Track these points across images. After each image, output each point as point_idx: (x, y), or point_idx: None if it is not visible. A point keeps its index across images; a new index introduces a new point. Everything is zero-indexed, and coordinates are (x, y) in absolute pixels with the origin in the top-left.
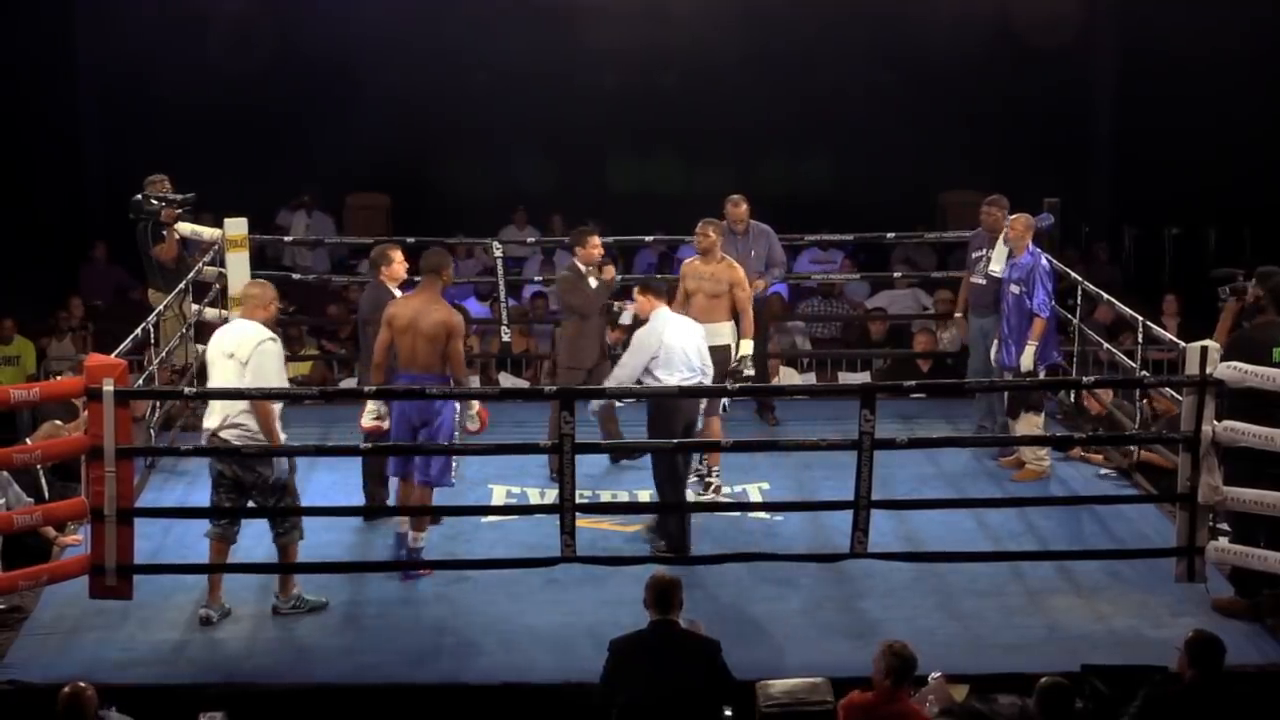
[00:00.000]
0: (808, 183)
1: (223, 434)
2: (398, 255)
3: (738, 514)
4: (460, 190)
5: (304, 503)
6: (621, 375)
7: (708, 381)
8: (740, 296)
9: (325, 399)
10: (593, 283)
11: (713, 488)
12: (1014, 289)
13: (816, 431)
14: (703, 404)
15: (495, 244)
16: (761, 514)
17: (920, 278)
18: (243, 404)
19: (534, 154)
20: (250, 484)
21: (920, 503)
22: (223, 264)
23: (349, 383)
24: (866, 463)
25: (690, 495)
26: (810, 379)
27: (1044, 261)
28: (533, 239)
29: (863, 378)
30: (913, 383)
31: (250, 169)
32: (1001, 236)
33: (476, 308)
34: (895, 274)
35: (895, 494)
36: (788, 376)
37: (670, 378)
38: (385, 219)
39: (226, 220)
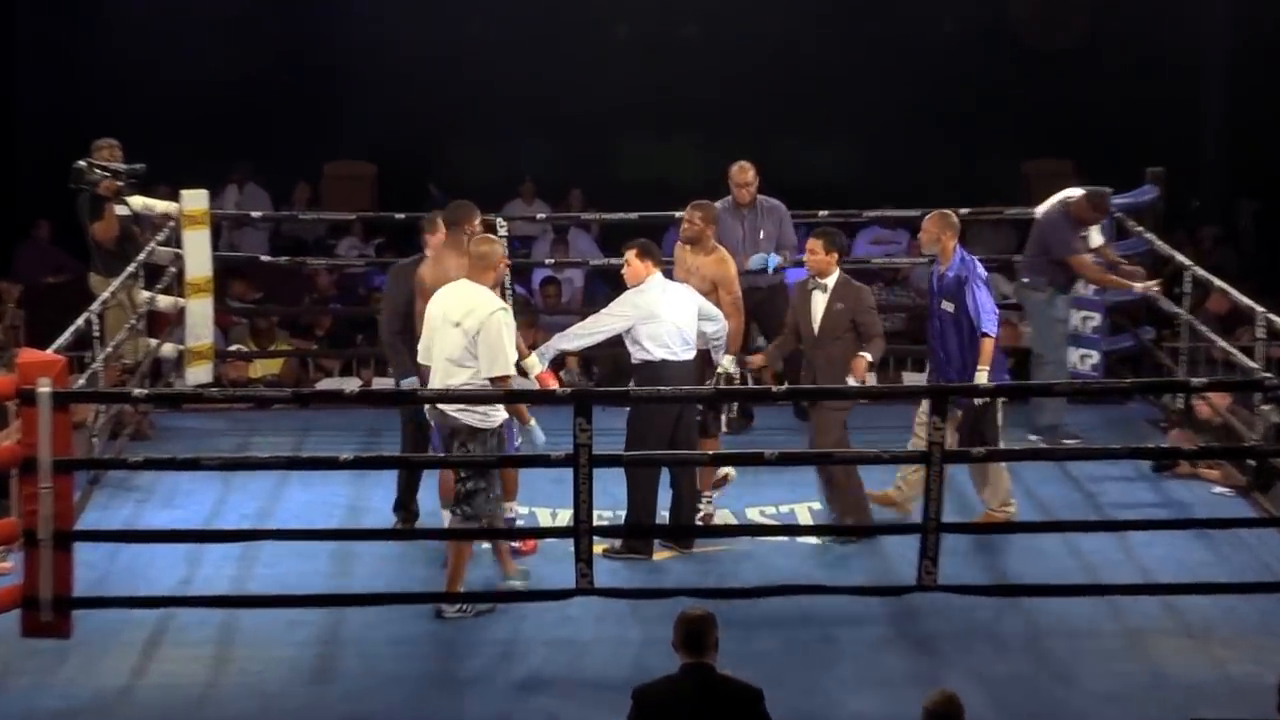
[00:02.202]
0: (868, 152)
1: (446, 410)
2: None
3: (784, 539)
4: (458, 159)
5: (278, 524)
6: (597, 326)
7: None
8: (725, 300)
9: (299, 403)
10: None
11: (701, 514)
12: (945, 306)
13: (878, 442)
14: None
15: (500, 221)
16: (812, 539)
17: (999, 261)
18: (462, 378)
19: (544, 121)
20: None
21: (1000, 526)
22: (179, 244)
23: (327, 384)
24: (937, 478)
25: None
26: (870, 379)
27: (979, 269)
28: (543, 215)
29: (912, 379)
30: (991, 384)
31: (211, 138)
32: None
33: None
34: None
35: (971, 515)
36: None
37: (660, 352)
38: (369, 191)
39: (183, 193)
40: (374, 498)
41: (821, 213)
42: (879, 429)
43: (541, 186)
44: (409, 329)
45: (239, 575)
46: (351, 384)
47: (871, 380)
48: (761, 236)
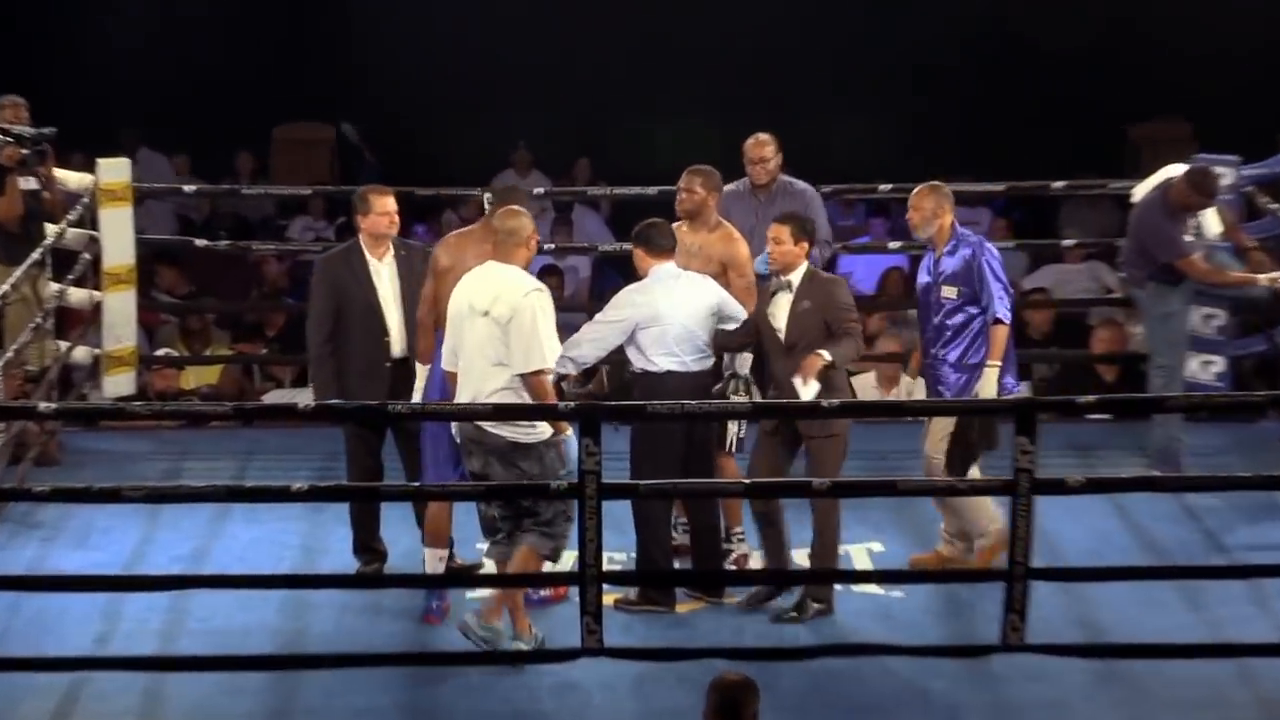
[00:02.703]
0: (935, 111)
1: (485, 426)
2: (383, 202)
3: (839, 587)
4: (440, 122)
5: (215, 568)
6: (588, 336)
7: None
8: (737, 285)
9: (243, 419)
10: None
11: (733, 557)
12: (945, 292)
13: (880, 470)
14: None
15: (487, 196)
16: (872, 587)
17: (1101, 245)
18: (500, 380)
19: (545, 85)
20: (506, 485)
21: (1103, 572)
22: (95, 225)
23: (277, 396)
24: (1024, 514)
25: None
26: (811, 388)
27: (989, 251)
28: (541, 189)
29: (1018, 390)
30: (1091, 398)
31: (132, 96)
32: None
33: None
34: (1065, 241)
35: (1065, 559)
36: (913, 388)
37: (665, 361)
38: (328, 159)
39: (100, 162)
40: (333, 536)
41: (883, 186)
42: (870, 455)
43: (540, 157)
44: (341, 337)
45: (168, 631)
46: (306, 397)
47: (812, 389)
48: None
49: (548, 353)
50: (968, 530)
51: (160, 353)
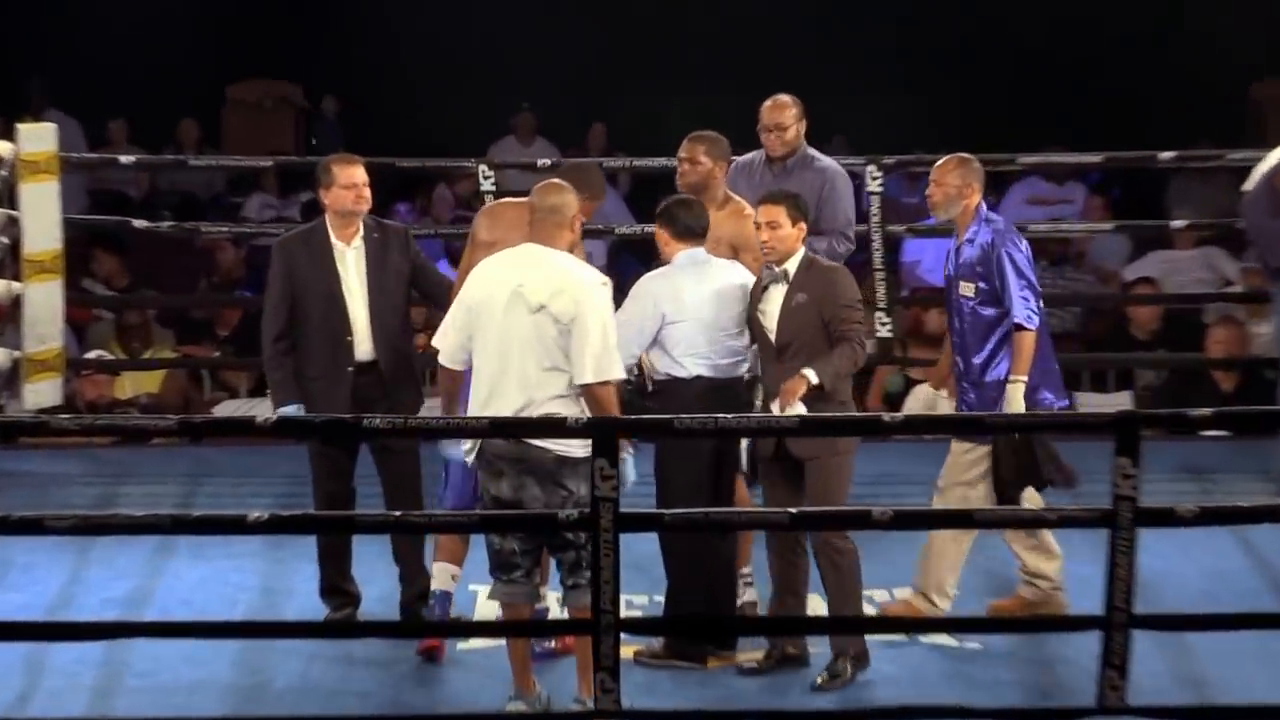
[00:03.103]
0: (1000, 73)
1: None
2: (349, 173)
3: (898, 638)
4: (425, 82)
5: (158, 613)
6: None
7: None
8: (752, 269)
9: (190, 436)
10: None
11: (742, 602)
12: (963, 289)
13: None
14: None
15: (483, 168)
16: (944, 637)
17: (1218, 227)
18: (556, 387)
19: (552, 49)
20: (550, 508)
21: (1220, 619)
22: (14, 203)
23: (230, 408)
24: (1125, 550)
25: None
26: (798, 408)
27: (1014, 240)
28: (548, 160)
29: (1119, 401)
30: (1206, 410)
31: (50, 47)
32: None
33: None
34: (1175, 222)
35: (1174, 604)
36: (935, 402)
37: (692, 364)
38: (292, 124)
39: (20, 128)
40: (297, 575)
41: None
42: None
43: (548, 122)
44: (297, 335)
45: (102, 687)
46: (266, 408)
47: (798, 410)
48: None
49: (618, 361)
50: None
51: (92, 355)
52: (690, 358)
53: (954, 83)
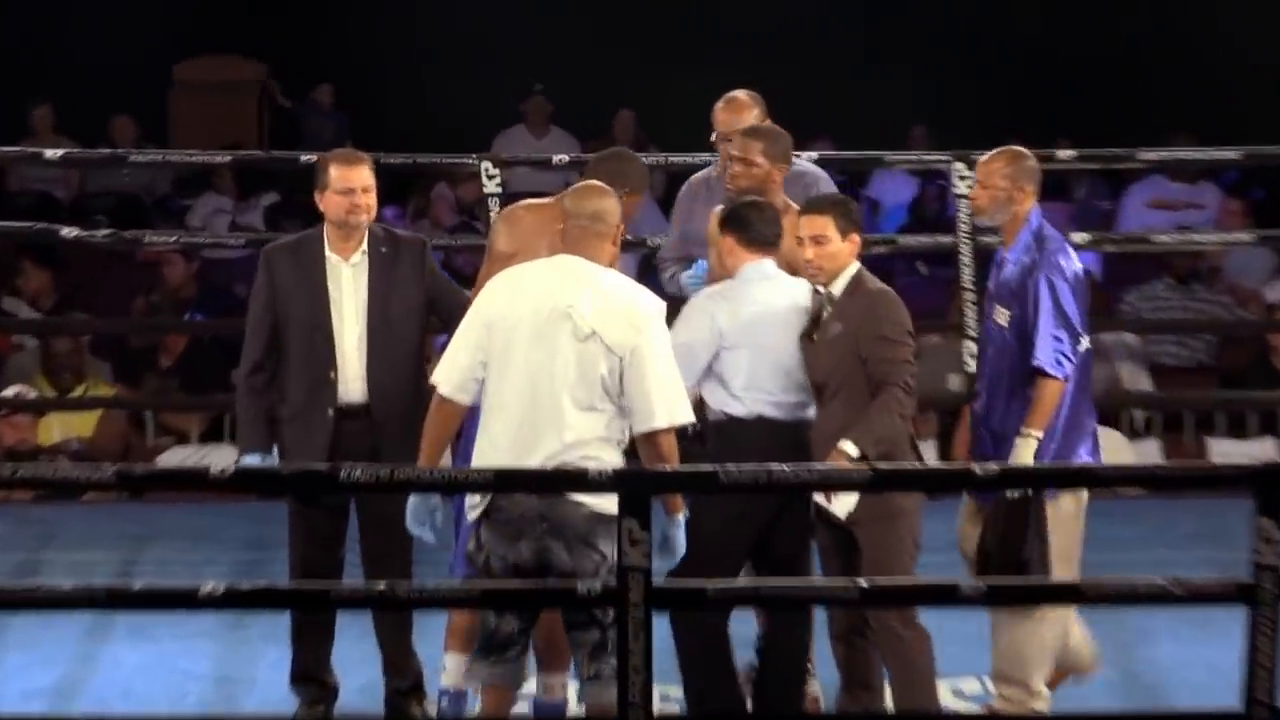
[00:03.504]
0: (1129, 48)
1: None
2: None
3: None
4: (418, 68)
5: (92, 706)
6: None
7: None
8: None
9: (129, 489)
10: None
11: (811, 696)
12: (998, 315)
13: (1158, 561)
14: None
15: (487, 165)
16: None
17: None
18: (595, 429)
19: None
20: (570, 576)
21: None
22: None
23: (177, 457)
24: (1267, 631)
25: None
26: (1149, 450)
27: (1062, 262)
28: (566, 156)
29: (1262, 450)
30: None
31: None
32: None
33: None
34: None
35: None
36: (1110, 446)
37: (755, 401)
38: (255, 111)
39: None
40: (261, 660)
41: (1063, 154)
42: (1159, 538)
43: (565, 108)
44: (278, 367)
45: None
46: (223, 456)
47: (847, 503)
48: None
49: (687, 402)
50: (1005, 672)
51: (10, 392)
52: (751, 392)
53: (1049, 64)
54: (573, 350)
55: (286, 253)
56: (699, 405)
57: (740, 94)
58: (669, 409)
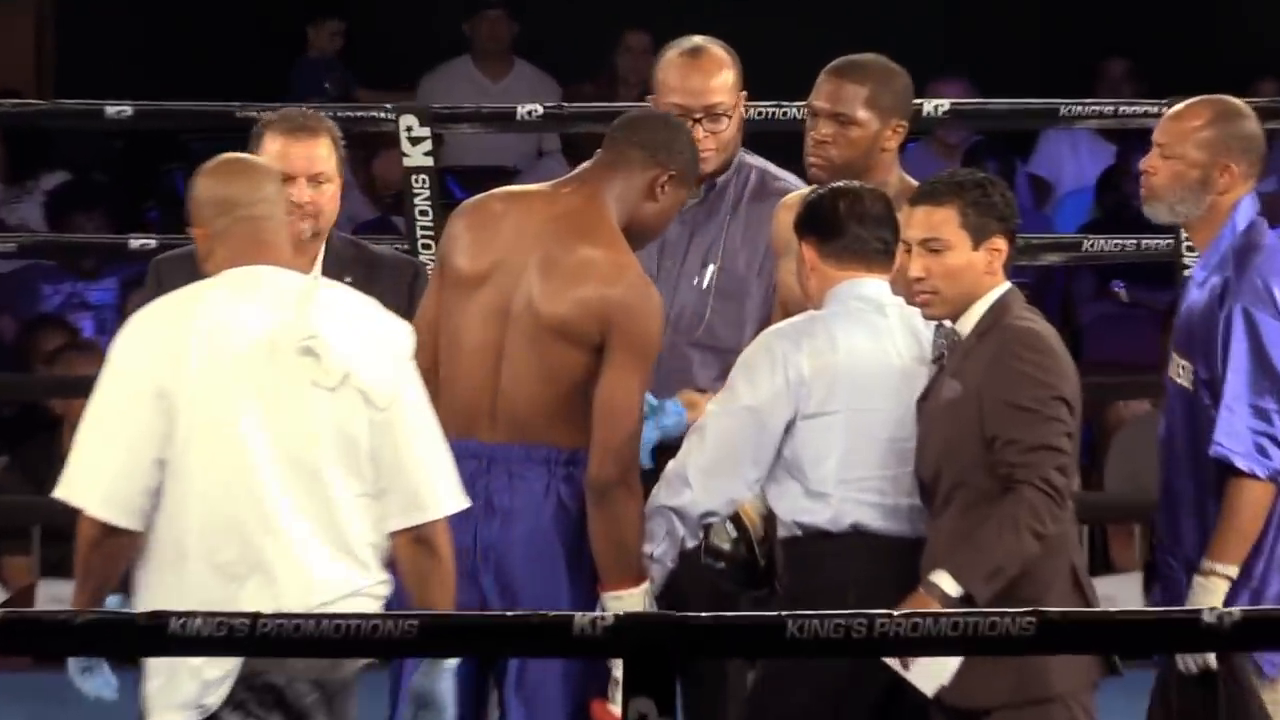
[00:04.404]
0: None
1: None
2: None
3: None
4: None
5: None
6: (692, 463)
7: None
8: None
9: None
10: None
11: None
12: (1174, 369)
13: None
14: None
15: (410, 121)
16: None
17: None
18: (369, 531)
19: None
20: None
21: None
22: None
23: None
24: None
25: None
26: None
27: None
28: (538, 107)
29: None
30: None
31: None
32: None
33: None
34: None
35: None
36: None
37: (856, 503)
38: (33, 37)
39: None
40: None
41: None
42: None
43: (533, 35)
44: None
45: None
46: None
47: (937, 672)
48: (709, 272)
49: (717, 497)
50: None
51: None
52: (845, 489)
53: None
54: (324, 408)
55: (188, 268)
56: (769, 517)
57: (705, 42)
58: (452, 486)
